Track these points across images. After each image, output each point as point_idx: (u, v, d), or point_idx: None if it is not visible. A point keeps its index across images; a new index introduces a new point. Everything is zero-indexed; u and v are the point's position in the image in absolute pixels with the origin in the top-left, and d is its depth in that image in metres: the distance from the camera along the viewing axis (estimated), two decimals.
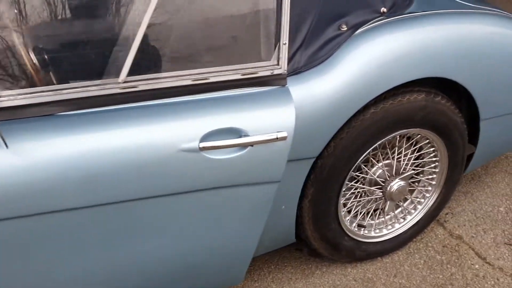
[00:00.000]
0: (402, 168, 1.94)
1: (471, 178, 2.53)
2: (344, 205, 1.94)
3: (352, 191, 1.92)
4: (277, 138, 1.39)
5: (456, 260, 2.07)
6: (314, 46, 1.59)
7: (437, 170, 2.01)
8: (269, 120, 1.40)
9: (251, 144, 1.38)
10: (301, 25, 1.56)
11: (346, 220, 1.94)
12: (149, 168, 1.33)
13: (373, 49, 1.63)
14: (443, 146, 1.93)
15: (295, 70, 1.56)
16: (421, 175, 2.04)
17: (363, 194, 1.97)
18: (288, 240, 1.89)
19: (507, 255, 2.09)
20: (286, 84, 1.49)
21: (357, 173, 1.89)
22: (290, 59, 1.55)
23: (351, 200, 1.93)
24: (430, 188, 2.06)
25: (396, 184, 1.91)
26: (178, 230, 1.51)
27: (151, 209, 1.42)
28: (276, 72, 1.47)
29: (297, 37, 1.55)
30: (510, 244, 2.14)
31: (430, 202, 2.07)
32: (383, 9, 1.72)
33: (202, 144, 1.34)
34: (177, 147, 1.32)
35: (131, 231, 1.45)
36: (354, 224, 1.98)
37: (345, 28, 1.63)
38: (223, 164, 1.37)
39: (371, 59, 1.62)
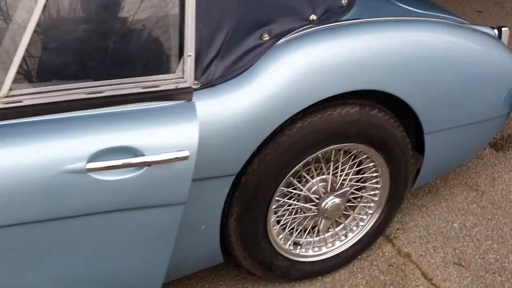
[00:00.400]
0: (339, 184, 1.83)
1: (428, 191, 2.42)
2: (278, 222, 1.83)
3: (285, 207, 1.81)
4: (176, 158, 1.28)
5: (400, 281, 1.96)
6: (232, 57, 1.48)
7: (378, 186, 1.90)
8: (168, 138, 1.30)
9: (148, 164, 1.27)
10: (217, 33, 1.45)
11: (280, 238, 1.83)
12: (34, 191, 1.22)
13: (296, 60, 1.52)
14: (383, 161, 1.82)
15: (209, 83, 1.45)
16: (363, 191, 1.93)
17: (299, 210, 1.86)
18: (216, 261, 1.78)
19: (454, 276, 1.98)
20: (191, 99, 1.38)
21: (289, 189, 1.78)
22: (204, 70, 1.44)
23: (285, 217, 1.83)
24: (372, 205, 1.95)
25: (330, 202, 1.80)
26: (84, 252, 1.40)
27: (48, 233, 1.31)
28: (180, 85, 1.36)
29: (212, 46, 1.45)
30: (459, 264, 2.03)
31: (373, 219, 1.96)
32: (313, 17, 1.61)
33: (89, 165, 1.23)
34: (61, 168, 1.22)
35: (33, 253, 1.34)
36: (289, 242, 1.87)
37: (267, 38, 1.53)
38: (114, 186, 1.26)
39: (293, 71, 1.51)
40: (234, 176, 1.56)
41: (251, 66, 1.50)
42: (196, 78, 1.43)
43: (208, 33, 1.43)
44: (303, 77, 1.52)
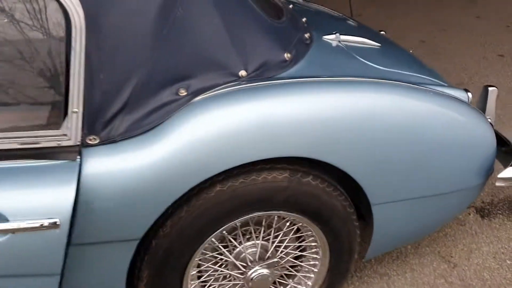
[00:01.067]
0: (270, 252, 1.67)
1: (395, 257, 2.21)
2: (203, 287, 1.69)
3: (211, 273, 1.67)
4: (43, 226, 1.16)
5: None
6: (141, 112, 1.36)
7: (318, 256, 1.73)
8: (37, 203, 1.18)
9: (12, 232, 1.16)
10: (124, 86, 1.33)
11: None
12: None
13: (210, 121, 1.38)
14: (320, 232, 1.65)
15: (110, 138, 1.34)
16: (301, 260, 1.76)
17: (228, 276, 1.71)
18: None
19: None
20: (75, 159, 1.26)
21: (214, 254, 1.63)
22: (106, 125, 1.33)
23: (211, 282, 1.68)
24: (312, 276, 1.77)
25: (255, 272, 1.64)
26: None
27: None
28: (64, 143, 1.25)
29: (117, 99, 1.33)
30: None
31: None
32: (242, 73, 1.48)
33: None
34: None
35: None
36: None
37: (184, 93, 1.40)
38: None
39: (205, 132, 1.38)
40: (137, 241, 1.43)
41: (161, 123, 1.37)
42: (95, 133, 1.32)
43: (112, 85, 1.32)
44: (217, 140, 1.38)
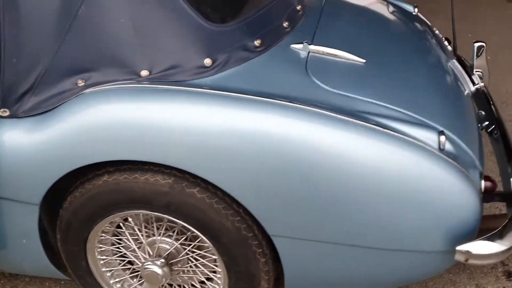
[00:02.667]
0: (168, 252, 1.68)
1: None
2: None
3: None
4: None
5: None
6: (43, 95, 1.53)
7: (219, 270, 1.67)
8: None
9: None
10: (32, 70, 1.51)
11: (114, 282, 1.81)
12: None
13: (90, 112, 1.47)
14: (212, 246, 1.59)
15: (17, 113, 1.54)
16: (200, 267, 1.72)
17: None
18: (56, 273, 1.85)
19: None
20: None
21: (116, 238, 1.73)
22: (17, 101, 1.53)
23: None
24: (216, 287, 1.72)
25: (148, 265, 1.67)
26: None
27: None
28: None
29: (27, 80, 1.52)
30: None
31: None
32: (144, 72, 1.50)
33: None
34: None
35: None
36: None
37: (82, 84, 1.51)
38: None
39: (84, 122, 1.47)
40: (37, 206, 1.61)
41: (55, 107, 1.51)
42: (7, 107, 1.54)
43: (23, 68, 1.51)
44: (91, 132, 1.46)
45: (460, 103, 1.86)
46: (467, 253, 1.45)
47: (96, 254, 1.74)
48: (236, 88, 1.50)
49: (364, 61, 1.68)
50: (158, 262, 1.67)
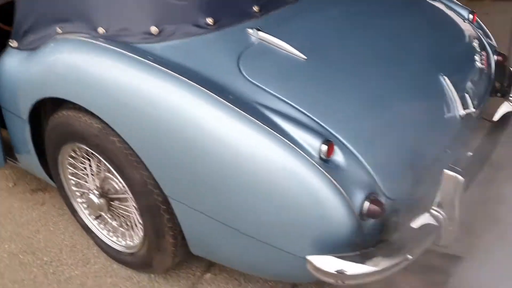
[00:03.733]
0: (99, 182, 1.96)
1: None
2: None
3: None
4: None
5: None
6: (37, 35, 1.90)
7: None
8: None
9: None
10: (30, 16, 1.91)
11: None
12: None
13: (52, 56, 1.82)
14: (129, 192, 1.81)
15: (19, 46, 1.95)
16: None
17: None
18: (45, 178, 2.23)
19: None
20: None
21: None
22: (22, 37, 1.94)
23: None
24: (134, 233, 1.95)
25: (92, 194, 1.97)
26: None
27: None
28: None
29: (28, 22, 1.92)
30: None
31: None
32: (100, 30, 1.75)
33: None
34: None
35: None
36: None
37: (60, 32, 1.83)
38: None
39: (49, 63, 1.82)
40: (26, 121, 1.99)
41: (40, 47, 1.86)
42: (16, 40, 1.95)
43: (27, 11, 1.90)
44: (49, 71, 1.80)
45: (401, 117, 1.70)
46: (312, 265, 1.42)
47: (67, 173, 2.09)
48: (170, 59, 1.65)
49: (305, 57, 1.68)
50: (96, 193, 1.96)
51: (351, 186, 1.46)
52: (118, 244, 2.06)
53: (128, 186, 1.79)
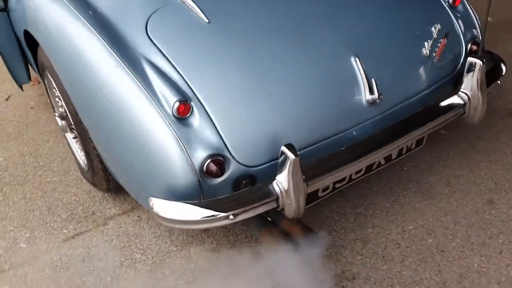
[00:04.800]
0: None
1: None
2: None
3: None
4: None
5: None
6: None
7: None
8: None
9: None
10: None
11: None
12: None
13: None
14: None
15: None
16: None
17: None
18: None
19: None
20: None
21: None
22: None
23: None
24: None
25: (57, 116, 2.36)
26: None
27: None
28: None
29: None
30: None
31: None
32: None
33: None
34: None
35: None
36: None
37: None
38: None
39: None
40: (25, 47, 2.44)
41: None
42: None
43: None
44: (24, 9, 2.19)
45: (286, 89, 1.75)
46: (152, 207, 1.63)
47: (53, 98, 2.51)
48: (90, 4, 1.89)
49: (207, 21, 1.79)
50: (58, 115, 2.34)
51: (198, 146, 1.61)
52: (83, 161, 2.45)
53: (68, 112, 2.13)
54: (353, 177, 1.90)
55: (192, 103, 1.63)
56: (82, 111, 1.93)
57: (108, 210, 2.33)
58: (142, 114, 1.64)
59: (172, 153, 1.60)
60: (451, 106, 1.94)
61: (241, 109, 1.68)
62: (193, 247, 2.10)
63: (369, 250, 2.00)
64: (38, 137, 2.87)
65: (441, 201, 2.20)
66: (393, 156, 1.99)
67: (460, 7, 2.14)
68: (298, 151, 1.66)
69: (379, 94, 1.78)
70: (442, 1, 2.12)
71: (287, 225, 1.81)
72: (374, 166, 1.95)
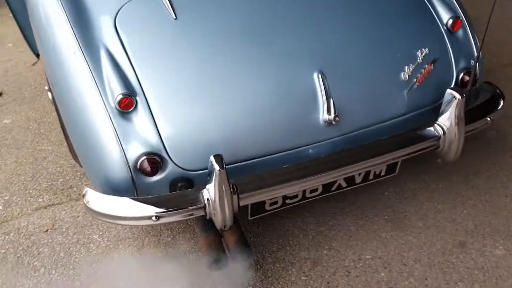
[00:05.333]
0: None
1: None
2: None
3: None
4: None
5: None
6: None
7: None
8: None
9: None
10: None
11: None
12: None
13: None
14: None
15: None
16: None
17: None
18: None
19: None
20: None
21: None
22: None
23: None
24: None
25: None
26: None
27: None
28: None
29: None
30: None
31: None
32: None
33: None
34: None
35: None
36: None
37: None
38: None
39: None
40: None
41: None
42: None
43: None
44: None
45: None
46: (84, 195, 1.65)
47: None
48: None
49: (174, 17, 1.77)
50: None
51: (135, 142, 1.61)
52: None
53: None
54: (307, 195, 1.84)
55: (137, 98, 1.63)
56: (52, 86, 1.98)
57: (85, 186, 2.40)
58: (87, 103, 1.66)
59: (109, 146, 1.62)
60: (424, 138, 1.81)
61: (186, 113, 1.66)
62: (149, 238, 2.12)
63: (317, 272, 1.93)
64: (48, 105, 3.00)
65: (410, 234, 2.08)
66: (357, 180, 1.89)
67: (460, 32, 1.98)
68: (238, 163, 1.62)
69: (335, 116, 1.69)
70: (440, 23, 1.97)
71: (227, 234, 1.78)
72: (334, 187, 1.87)
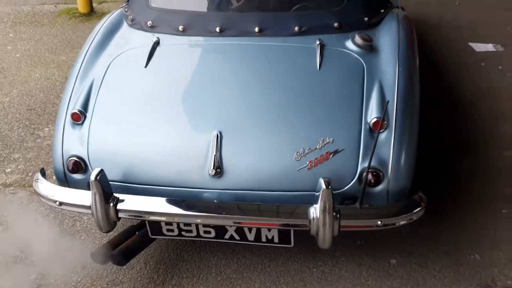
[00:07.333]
0: None
1: None
2: None
3: None
4: None
5: None
6: None
7: None
8: None
9: None
10: None
11: None
12: None
13: None
14: None
15: None
16: None
17: None
18: None
19: None
20: None
21: None
22: None
23: None
24: None
25: None
26: None
27: None
28: None
29: None
30: None
31: None
32: None
33: None
34: None
35: None
36: None
37: None
38: None
39: None
40: None
41: None
42: None
43: None
44: None
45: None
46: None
47: None
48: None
49: (145, 66, 2.36)
50: None
51: (72, 147, 2.21)
52: None
53: None
54: (201, 234, 2.11)
55: (86, 115, 2.23)
56: None
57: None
58: (60, 107, 2.34)
59: (58, 144, 2.21)
60: (298, 215, 1.93)
61: (112, 136, 2.22)
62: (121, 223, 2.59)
63: None
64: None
65: None
66: (250, 238, 2.07)
67: (383, 134, 2.02)
68: (132, 184, 2.05)
69: (217, 170, 1.99)
70: (363, 120, 2.05)
71: (127, 241, 2.19)
72: (227, 236, 2.09)
